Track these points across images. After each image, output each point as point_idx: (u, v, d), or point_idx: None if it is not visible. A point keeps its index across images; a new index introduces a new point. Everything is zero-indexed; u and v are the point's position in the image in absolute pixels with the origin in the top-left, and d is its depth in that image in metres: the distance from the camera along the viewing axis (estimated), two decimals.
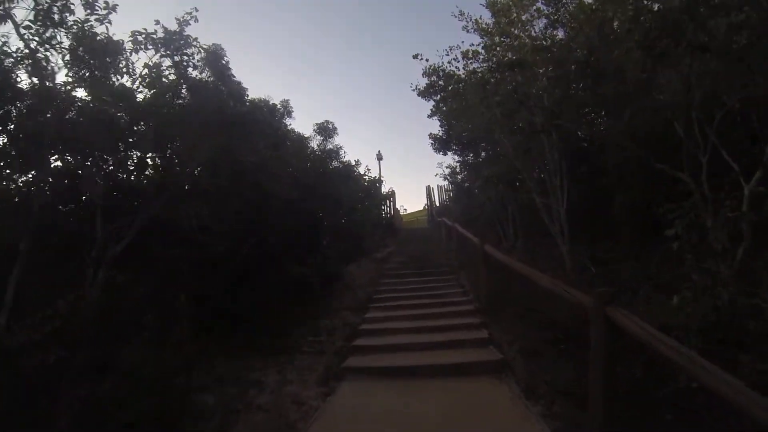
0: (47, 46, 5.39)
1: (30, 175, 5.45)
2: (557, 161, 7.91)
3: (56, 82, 5.65)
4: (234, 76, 7.56)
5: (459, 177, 16.13)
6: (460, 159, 15.40)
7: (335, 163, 13.22)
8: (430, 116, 12.61)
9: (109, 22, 5.58)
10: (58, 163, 5.95)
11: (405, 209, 31.96)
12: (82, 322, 4.09)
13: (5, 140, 5.41)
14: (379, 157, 28.42)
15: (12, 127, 5.27)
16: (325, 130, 13.75)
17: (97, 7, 5.42)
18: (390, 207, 22.87)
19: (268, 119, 9.41)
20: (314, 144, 13.17)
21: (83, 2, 5.35)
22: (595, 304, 3.38)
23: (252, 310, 8.63)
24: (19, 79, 5.37)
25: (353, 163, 14.95)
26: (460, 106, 10.14)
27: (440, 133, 13.37)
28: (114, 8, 5.51)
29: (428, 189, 24.85)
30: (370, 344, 7.13)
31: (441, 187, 24.65)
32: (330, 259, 11.38)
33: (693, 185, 6.02)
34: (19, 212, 4.13)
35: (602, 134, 8.08)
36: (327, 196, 10.45)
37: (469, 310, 8.22)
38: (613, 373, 3.44)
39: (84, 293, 4.26)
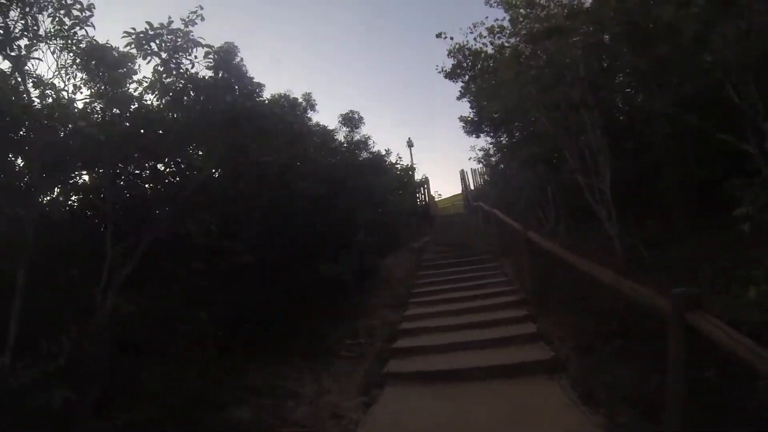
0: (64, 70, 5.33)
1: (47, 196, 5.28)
2: (599, 137, 7.31)
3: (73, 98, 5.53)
4: (249, 74, 7.23)
5: (493, 160, 15.53)
6: (492, 141, 14.82)
7: (364, 155, 12.92)
8: (459, 98, 12.11)
9: (92, 25, 5.31)
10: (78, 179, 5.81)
11: (440, 195, 31.39)
12: (90, 357, 3.85)
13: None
14: (410, 144, 27.90)
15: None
16: (351, 120, 13.36)
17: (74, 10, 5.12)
18: (424, 194, 22.40)
19: (288, 114, 9.06)
20: (340, 136, 12.84)
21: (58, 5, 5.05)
22: (674, 309, 2.87)
23: (285, 315, 8.40)
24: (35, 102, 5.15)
25: (383, 152, 14.55)
26: (491, 85, 9.55)
27: (471, 115, 12.83)
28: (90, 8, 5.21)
29: (462, 173, 24.29)
30: (411, 346, 6.75)
31: (475, 170, 24.03)
32: (365, 253, 11.05)
33: (761, 158, 5.37)
34: (13, 239, 3.89)
35: (647, 104, 7.42)
36: (357, 189, 10.08)
37: (514, 301, 7.76)
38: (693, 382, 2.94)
39: (87, 328, 4.01)
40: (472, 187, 23.72)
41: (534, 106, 8.13)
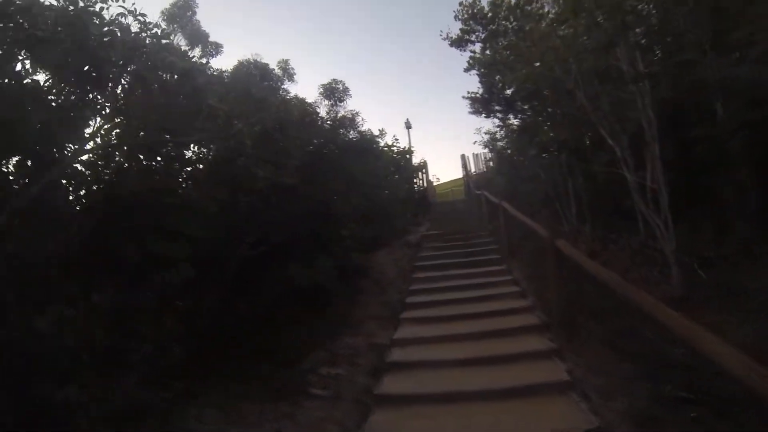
0: None
1: None
2: (653, 122, 5.68)
3: None
4: (206, 32, 5.59)
5: (500, 144, 13.87)
6: (500, 123, 13.16)
7: (352, 135, 11.12)
8: (466, 70, 10.42)
9: None
10: None
11: (438, 179, 29.82)
12: None
13: None
14: (408, 125, 26.25)
15: None
16: (333, 92, 11.51)
17: None
18: (422, 179, 20.78)
19: (257, 84, 7.39)
20: (321, 111, 11.04)
21: None
22: None
23: (254, 328, 7.00)
24: None
25: (377, 133, 12.85)
26: (514, 45, 7.79)
27: (479, 91, 11.14)
28: None
29: (463, 158, 22.60)
30: (401, 392, 5.16)
31: (478, 155, 22.39)
32: (351, 251, 9.47)
33: None
34: None
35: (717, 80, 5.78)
36: (341, 175, 8.44)
37: (534, 325, 6.25)
38: None
39: None
40: (473, 172, 22.08)
41: (569, 74, 6.44)
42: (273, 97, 8.42)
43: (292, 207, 7.70)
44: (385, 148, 17.59)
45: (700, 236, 6.62)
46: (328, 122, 9.81)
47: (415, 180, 20.19)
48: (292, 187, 7.63)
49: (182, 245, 6.19)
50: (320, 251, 8.72)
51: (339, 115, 10.84)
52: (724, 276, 5.89)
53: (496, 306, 7.18)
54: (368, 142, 11.22)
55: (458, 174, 25.83)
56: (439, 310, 7.36)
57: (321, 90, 11.40)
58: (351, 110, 11.62)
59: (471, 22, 9.19)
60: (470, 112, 13.27)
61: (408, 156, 18.80)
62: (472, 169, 22.19)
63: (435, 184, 29.18)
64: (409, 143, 24.95)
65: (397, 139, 18.02)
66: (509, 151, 13.32)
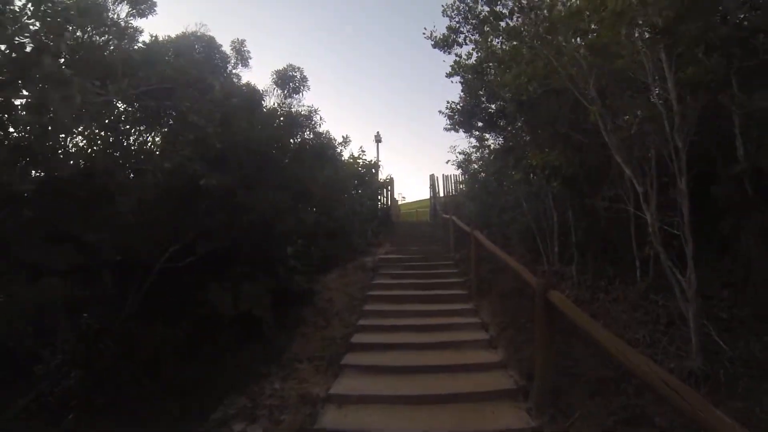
0: None
1: None
2: (683, 152, 4.49)
3: None
4: None
5: (475, 166, 12.69)
6: (477, 143, 11.98)
7: (307, 135, 9.59)
8: (450, 75, 9.13)
9: None
10: None
11: (404, 198, 28.66)
12: None
13: None
14: (378, 139, 25.12)
15: None
16: (288, 80, 9.64)
17: None
18: (387, 197, 19.50)
19: (196, 64, 5.97)
20: (270, 101, 9.34)
21: None
22: None
23: (169, 356, 6.12)
24: None
25: (339, 140, 11.38)
26: (517, 33, 6.50)
27: (461, 104, 9.83)
28: None
29: (432, 179, 21.44)
30: None
31: (448, 177, 21.27)
32: (297, 272, 8.05)
33: None
34: None
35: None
36: (289, 182, 7.03)
37: (507, 390, 5.00)
38: None
39: None
40: (442, 195, 20.93)
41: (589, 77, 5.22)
42: (216, 79, 6.99)
43: (226, 215, 6.28)
44: (350, 160, 16.32)
45: (713, 291, 5.48)
46: (281, 117, 8.27)
47: (379, 197, 18.92)
48: (229, 191, 6.22)
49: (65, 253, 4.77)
50: (259, 270, 7.32)
51: (293, 109, 9.21)
52: (745, 345, 4.75)
53: (460, 358, 5.87)
54: (325, 146, 9.77)
55: (426, 195, 24.72)
56: (390, 356, 5.99)
57: (274, 77, 9.68)
58: (308, 106, 9.98)
59: (458, 19, 8.05)
60: (447, 128, 12.01)
61: (374, 171, 17.52)
62: (441, 192, 21.04)
63: (401, 203, 28.06)
64: (378, 157, 23.74)
65: (363, 151, 16.78)
66: (483, 174, 12.16)
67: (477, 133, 10.60)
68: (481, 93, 8.71)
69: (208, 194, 6.13)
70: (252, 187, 6.27)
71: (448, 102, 9.83)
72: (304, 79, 9.91)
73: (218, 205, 6.08)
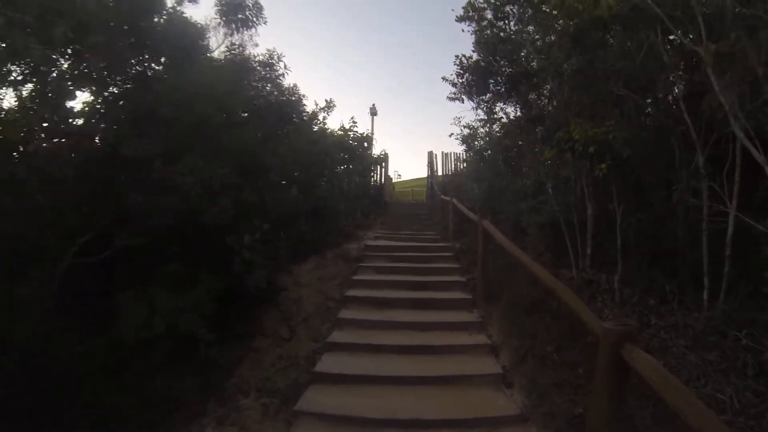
0: None
1: None
2: None
3: None
4: None
5: (479, 143, 10.89)
6: (484, 116, 10.17)
7: (266, 88, 7.24)
8: (460, 19, 7.24)
9: None
10: None
11: (399, 175, 26.92)
12: None
13: None
14: (373, 112, 23.19)
15: None
16: (237, 10, 7.11)
17: None
18: (380, 174, 17.72)
19: None
20: (215, 40, 7.03)
21: None
22: None
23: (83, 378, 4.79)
24: None
25: (316, 106, 9.36)
26: None
27: (472, 59, 7.89)
28: None
29: (431, 156, 19.61)
30: None
31: (448, 155, 19.47)
32: (257, 266, 6.32)
33: None
34: None
35: None
36: (233, 152, 5.24)
37: None
38: None
39: None
40: (440, 174, 19.15)
41: None
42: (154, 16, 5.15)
43: (143, 196, 4.53)
44: (340, 131, 14.48)
45: None
46: (221, 61, 6.19)
47: (372, 174, 17.15)
48: (147, 163, 4.46)
49: None
50: (203, 266, 5.61)
51: (246, 51, 7.09)
52: None
53: (465, 401, 4.22)
54: (290, 106, 7.72)
55: (423, 173, 22.96)
56: (367, 398, 4.30)
57: (218, 5, 7.14)
58: (268, 50, 7.56)
59: None
60: (451, 97, 10.13)
61: (366, 144, 15.68)
62: (440, 170, 19.27)
63: (396, 181, 26.27)
64: (372, 131, 21.84)
65: (355, 122, 14.86)
66: (489, 152, 10.37)
67: (487, 101, 8.74)
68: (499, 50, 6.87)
69: (127, 167, 4.40)
70: (177, 158, 4.52)
71: (457, 57, 7.90)
72: (257, 7, 7.45)
73: (135, 182, 4.33)
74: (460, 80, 8.22)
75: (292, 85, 7.28)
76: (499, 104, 9.59)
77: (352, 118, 15.13)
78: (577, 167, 5.07)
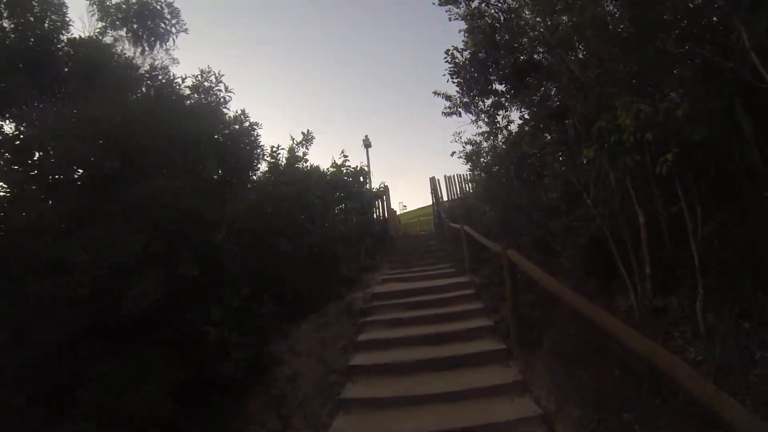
0: None
1: None
2: None
3: None
4: None
5: (486, 158, 9.63)
6: (486, 128, 8.98)
7: (203, 122, 5.22)
8: (443, 3, 6.05)
9: None
10: None
11: (404, 207, 25.64)
12: None
13: None
14: (367, 144, 22.14)
15: None
16: (147, 20, 5.45)
17: None
18: (382, 209, 16.51)
19: None
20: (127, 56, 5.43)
21: None
22: None
23: None
24: None
25: (292, 140, 7.95)
26: None
27: (467, 54, 6.58)
28: None
29: (433, 182, 18.35)
30: None
31: (451, 177, 18.25)
32: (233, 345, 5.03)
33: None
34: None
35: None
36: (149, 210, 3.97)
37: None
38: None
39: None
40: (446, 199, 17.89)
41: None
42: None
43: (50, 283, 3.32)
44: (332, 168, 13.38)
45: None
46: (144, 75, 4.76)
47: (375, 209, 15.98)
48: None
49: None
50: (160, 352, 4.37)
51: (167, 74, 5.35)
52: None
53: None
54: (242, 135, 6.01)
55: (428, 200, 21.70)
56: None
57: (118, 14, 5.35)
58: (202, 70, 5.73)
59: None
60: (446, 112, 8.97)
61: (362, 179, 14.53)
62: (444, 196, 18.00)
63: (401, 213, 25.01)
64: (368, 164, 20.71)
65: (346, 156, 13.78)
66: (496, 167, 9.11)
67: (487, 110, 7.51)
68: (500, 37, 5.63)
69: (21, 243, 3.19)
70: (83, 223, 3.32)
71: (447, 53, 6.57)
72: (174, 13, 5.77)
73: (27, 261, 3.12)
74: (455, 81, 6.95)
75: (238, 113, 6.04)
76: (501, 112, 8.43)
77: (342, 151, 14.00)
78: (626, 165, 3.77)
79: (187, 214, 4.22)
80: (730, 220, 3.75)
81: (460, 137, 9.66)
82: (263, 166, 7.46)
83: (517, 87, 5.82)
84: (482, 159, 9.56)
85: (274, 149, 7.67)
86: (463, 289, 7.88)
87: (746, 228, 3.81)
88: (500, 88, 6.39)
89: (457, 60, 6.64)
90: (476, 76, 6.37)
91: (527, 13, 5.21)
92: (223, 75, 5.18)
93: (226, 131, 5.12)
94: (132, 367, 4.09)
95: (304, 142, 7.92)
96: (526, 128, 6.01)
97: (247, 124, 5.73)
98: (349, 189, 13.51)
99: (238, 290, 5.61)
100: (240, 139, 5.44)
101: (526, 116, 5.89)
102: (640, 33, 3.60)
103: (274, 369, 5.86)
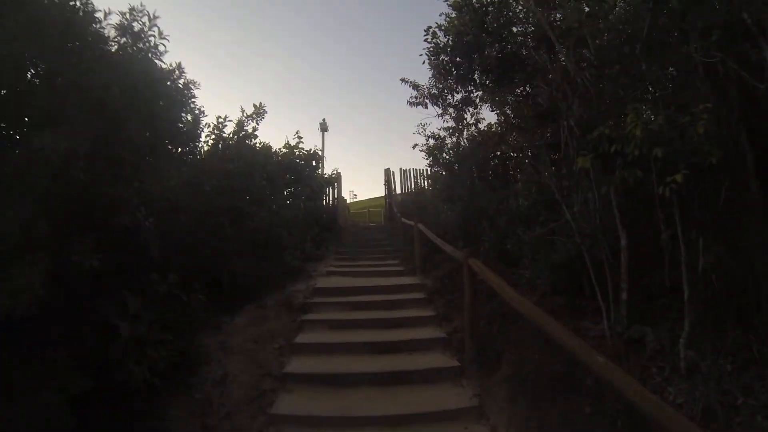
0: None
1: None
2: None
3: None
4: None
5: (449, 155, 9.17)
6: (453, 122, 8.62)
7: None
8: None
9: None
10: None
11: (355, 196, 25.13)
12: None
13: None
14: (324, 128, 21.49)
15: None
16: None
17: None
18: (332, 196, 15.85)
19: None
20: None
21: None
22: None
23: None
24: None
25: (242, 113, 7.23)
26: None
27: (449, 40, 6.02)
28: None
29: (388, 174, 17.81)
30: None
31: (406, 172, 17.75)
32: (150, 344, 4.32)
33: None
34: None
35: None
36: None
37: None
38: None
39: None
40: (399, 192, 17.40)
41: None
42: None
43: None
44: (284, 149, 12.60)
45: None
46: None
47: (324, 196, 15.31)
48: None
49: None
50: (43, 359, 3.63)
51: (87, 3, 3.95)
52: None
53: None
54: (177, 94, 5.00)
55: (379, 192, 21.21)
56: None
57: None
58: (136, 9, 4.36)
59: None
60: (413, 102, 8.46)
61: (315, 163, 13.81)
62: (398, 189, 17.51)
63: (351, 201, 24.44)
64: (323, 148, 19.97)
65: (300, 138, 13.03)
66: (457, 166, 8.67)
67: (459, 101, 7.02)
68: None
69: None
70: None
71: (427, 31, 5.91)
72: None
73: None
74: (434, 61, 6.36)
75: (172, 67, 5.06)
76: (470, 109, 7.99)
77: (297, 132, 13.21)
78: (624, 181, 3.31)
79: (86, 188, 3.44)
80: (724, 254, 3.39)
81: (425, 129, 9.17)
82: (204, 138, 6.65)
83: (500, 80, 5.31)
84: (445, 155, 9.10)
85: (220, 120, 6.87)
86: (413, 291, 7.41)
87: (737, 264, 3.46)
88: (480, 80, 5.85)
89: (438, 40, 6.08)
90: (458, 61, 5.82)
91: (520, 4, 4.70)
92: (158, 17, 4.31)
93: (159, 87, 4.28)
94: (27, 373, 3.35)
95: (255, 116, 7.15)
96: (502, 128, 5.52)
97: (183, 81, 4.88)
98: (300, 172, 12.78)
99: (165, 277, 4.89)
100: (175, 99, 4.60)
101: (508, 112, 5.38)
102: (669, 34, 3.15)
103: (201, 369, 5.19)
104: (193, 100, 5.30)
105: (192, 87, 5.26)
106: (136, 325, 4.06)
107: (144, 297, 4.38)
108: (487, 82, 5.55)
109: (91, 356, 3.93)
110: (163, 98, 4.46)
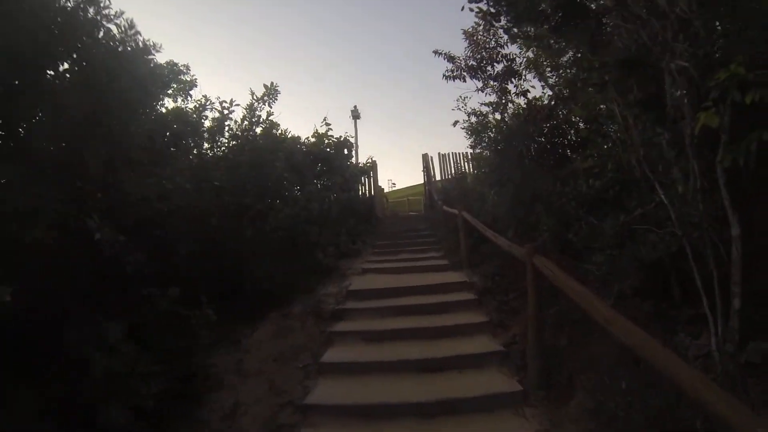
0: None
1: None
2: None
3: None
4: None
5: (490, 132, 8.09)
6: (496, 97, 7.64)
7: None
8: None
9: None
10: None
11: (393, 185, 24.08)
12: None
13: None
14: (355, 115, 20.57)
15: None
16: None
17: None
18: (368, 186, 14.95)
19: None
20: None
21: None
22: None
23: None
24: None
25: (252, 95, 6.34)
26: None
27: None
28: None
29: (426, 159, 16.73)
30: None
31: (445, 156, 16.64)
32: (134, 392, 3.52)
33: None
34: None
35: None
36: None
37: None
38: None
39: None
40: (439, 179, 16.34)
41: None
42: None
43: None
44: (313, 138, 11.76)
45: None
46: None
47: (361, 186, 14.43)
48: None
49: None
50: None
51: None
52: None
53: None
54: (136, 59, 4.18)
55: (418, 179, 20.15)
56: None
57: None
58: None
59: None
60: (448, 75, 7.56)
61: (347, 151, 12.88)
62: (437, 175, 16.45)
63: (390, 191, 23.44)
64: (356, 136, 19.03)
65: (329, 125, 12.12)
66: (502, 145, 7.60)
67: (500, 72, 5.96)
68: None
69: None
70: None
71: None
72: None
73: None
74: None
75: (125, 26, 4.03)
76: (513, 80, 6.94)
77: (324, 119, 12.26)
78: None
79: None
80: None
81: (465, 104, 8.14)
82: (209, 123, 5.79)
83: (572, 17, 4.16)
84: (489, 133, 8.03)
85: (225, 105, 5.98)
86: (460, 290, 6.43)
87: None
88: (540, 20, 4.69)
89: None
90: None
91: None
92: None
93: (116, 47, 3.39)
94: None
95: (267, 98, 6.27)
96: (562, 93, 4.42)
97: (138, 44, 3.88)
98: (331, 162, 11.90)
99: (164, 293, 4.10)
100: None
101: (583, 63, 4.23)
102: None
103: (210, 396, 4.40)
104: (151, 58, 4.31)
105: (153, 49, 4.28)
106: (115, 356, 3.25)
107: (138, 318, 3.59)
108: (558, 18, 4.40)
109: (66, 398, 3.16)
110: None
